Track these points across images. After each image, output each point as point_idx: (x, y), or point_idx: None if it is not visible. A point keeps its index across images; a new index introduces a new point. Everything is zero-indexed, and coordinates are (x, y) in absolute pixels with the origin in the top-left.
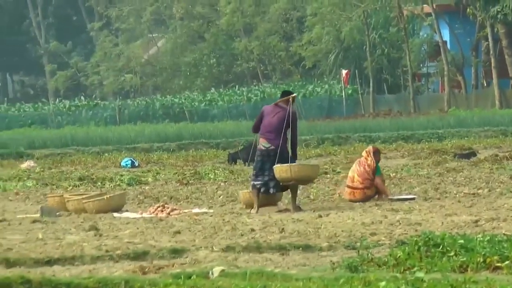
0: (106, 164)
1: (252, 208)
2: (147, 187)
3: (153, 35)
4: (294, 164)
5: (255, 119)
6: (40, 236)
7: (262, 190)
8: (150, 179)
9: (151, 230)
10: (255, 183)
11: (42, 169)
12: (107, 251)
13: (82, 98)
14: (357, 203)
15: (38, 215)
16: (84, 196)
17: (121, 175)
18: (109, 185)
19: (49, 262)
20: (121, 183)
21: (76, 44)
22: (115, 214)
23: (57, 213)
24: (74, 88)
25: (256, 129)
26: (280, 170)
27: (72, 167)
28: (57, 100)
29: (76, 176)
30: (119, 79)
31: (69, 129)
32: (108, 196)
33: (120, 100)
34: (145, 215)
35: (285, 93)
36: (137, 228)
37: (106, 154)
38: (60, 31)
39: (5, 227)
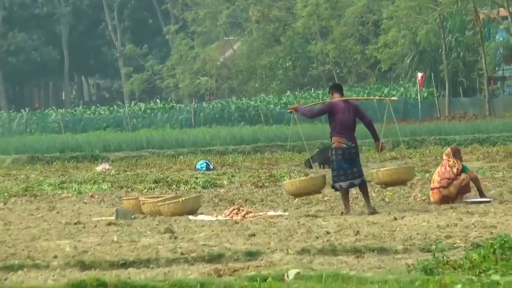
0: (181, 166)
1: (345, 209)
2: (222, 190)
3: (229, 38)
4: (393, 167)
5: (316, 108)
6: (115, 239)
7: (348, 187)
8: (225, 182)
9: (226, 232)
10: (342, 184)
11: (117, 172)
12: (182, 253)
13: (158, 101)
14: (433, 206)
15: (113, 217)
16: (159, 199)
17: (196, 178)
18: (184, 187)
19: (124, 264)
20: (196, 186)
21: (152, 47)
22: (190, 217)
23: (132, 216)
24: (150, 91)
25: (313, 116)
26: (382, 174)
27: (147, 170)
28: (133, 103)
29: (151, 179)
30: (194, 81)
31: (144, 132)
32: (183, 198)
33: (195, 103)
34: (220, 217)
35: (340, 87)
36: (212, 231)
37: (181, 157)
38: (136, 34)
39: (80, 229)
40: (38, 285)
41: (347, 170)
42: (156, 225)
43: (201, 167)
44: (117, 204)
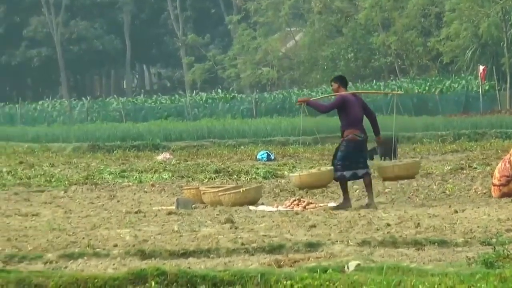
0: (242, 157)
1: (344, 202)
2: (283, 181)
3: (291, 28)
4: (397, 163)
5: (328, 102)
6: (176, 228)
7: (351, 178)
8: (286, 173)
9: (286, 223)
10: (345, 173)
11: (178, 161)
12: (242, 244)
13: (219, 90)
14: (493, 199)
15: (173, 207)
16: (220, 189)
17: (257, 168)
18: (245, 178)
19: (185, 254)
20: (257, 176)
21: (214, 37)
22: (251, 207)
23: (193, 205)
24: (211, 81)
25: (326, 111)
26: (385, 170)
27: (208, 160)
28: (194, 92)
29: (212, 169)
30: (256, 72)
31: (205, 121)
32: (244, 189)
33: (257, 93)
34: (280, 208)
35: (346, 81)
36: (273, 222)
37: (242, 147)
38: (198, 24)
39: (140, 218)
40: (98, 273)
41: (352, 160)
42: (217, 215)
43: (262, 158)
44: (178, 193)
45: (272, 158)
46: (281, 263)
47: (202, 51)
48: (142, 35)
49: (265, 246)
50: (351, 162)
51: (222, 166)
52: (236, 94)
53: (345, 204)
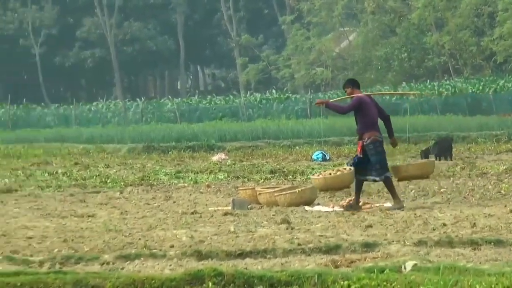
0: (297, 157)
1: (356, 201)
2: None
3: (345, 28)
4: (411, 162)
5: (346, 104)
6: (232, 229)
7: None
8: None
9: (342, 223)
10: (387, 174)
11: (233, 162)
12: (299, 244)
13: (273, 91)
14: None
15: (229, 207)
16: (276, 189)
17: (312, 169)
18: (301, 178)
19: (241, 254)
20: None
21: (268, 37)
22: (307, 208)
23: (249, 206)
24: (265, 81)
25: (345, 112)
26: (399, 169)
27: (264, 160)
28: (248, 93)
29: (267, 169)
30: (310, 72)
31: (260, 122)
32: (300, 189)
33: (311, 94)
34: (336, 208)
35: (358, 83)
36: (329, 222)
37: (297, 147)
38: (251, 24)
39: (196, 219)
40: (155, 274)
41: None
42: (273, 215)
43: (317, 158)
44: (234, 194)
45: (328, 158)
46: (338, 263)
47: (256, 52)
48: (195, 36)
49: (322, 247)
50: (386, 161)
51: (278, 166)
52: (290, 95)
53: (399, 204)
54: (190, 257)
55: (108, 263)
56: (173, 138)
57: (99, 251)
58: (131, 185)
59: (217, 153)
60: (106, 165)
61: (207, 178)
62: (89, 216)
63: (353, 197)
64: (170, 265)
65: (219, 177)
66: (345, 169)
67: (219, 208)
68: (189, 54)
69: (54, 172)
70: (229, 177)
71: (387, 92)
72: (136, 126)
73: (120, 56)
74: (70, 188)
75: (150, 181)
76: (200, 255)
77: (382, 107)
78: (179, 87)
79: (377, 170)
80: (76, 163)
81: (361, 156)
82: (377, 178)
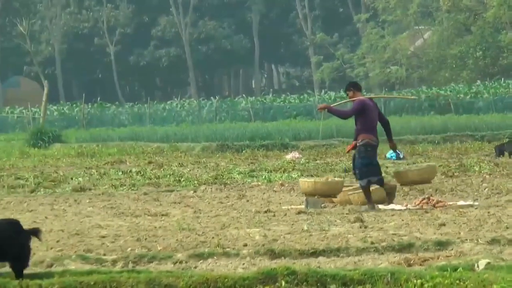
0: None
1: (370, 205)
2: None
3: (420, 27)
4: (412, 168)
5: (348, 108)
6: (305, 228)
7: (378, 183)
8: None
9: (416, 222)
10: (371, 179)
11: (307, 160)
12: (372, 243)
13: None
14: None
15: (303, 206)
16: (349, 188)
17: (387, 167)
18: None
19: (314, 253)
20: (386, 175)
21: (342, 35)
22: (380, 206)
23: (322, 205)
24: (340, 80)
25: (347, 116)
26: (400, 174)
27: (337, 159)
28: (323, 91)
29: (341, 168)
30: (384, 71)
31: (333, 120)
32: (373, 188)
33: (385, 92)
34: (410, 207)
35: (360, 86)
36: (402, 220)
37: None
38: (326, 23)
39: (270, 218)
40: (228, 273)
41: (375, 166)
42: (346, 214)
43: (391, 156)
44: None
45: (401, 156)
46: (411, 262)
47: (331, 50)
48: (270, 34)
49: (395, 245)
50: (375, 167)
51: (351, 165)
52: (365, 93)
53: (373, 207)
54: (263, 256)
55: (181, 262)
56: (247, 136)
57: (172, 250)
58: (204, 184)
59: (291, 152)
60: (179, 164)
61: (281, 176)
62: (162, 215)
63: (423, 196)
64: (243, 264)
65: (293, 175)
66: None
67: (293, 206)
68: (264, 52)
69: (128, 171)
70: (302, 175)
71: (387, 96)
72: (210, 124)
73: (194, 54)
74: (144, 187)
75: (224, 180)
76: (273, 254)
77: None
78: (253, 86)
79: (356, 174)
80: (150, 162)
81: (347, 152)
82: (359, 182)
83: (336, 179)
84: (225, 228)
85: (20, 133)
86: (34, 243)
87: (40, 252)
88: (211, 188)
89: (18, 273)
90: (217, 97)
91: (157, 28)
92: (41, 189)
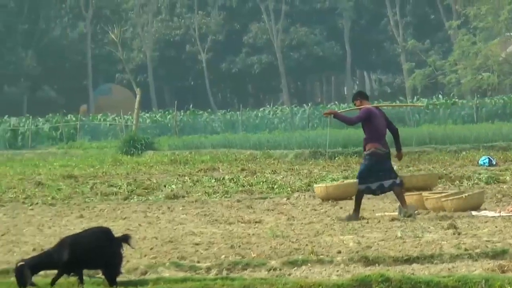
0: (464, 162)
1: (354, 213)
2: (505, 186)
3: (511, 33)
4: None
5: (354, 115)
6: (399, 234)
7: (378, 191)
8: (508, 178)
9: (509, 228)
10: (370, 185)
11: (400, 167)
12: (466, 249)
13: (440, 96)
14: None
15: (396, 213)
16: (442, 195)
17: (479, 174)
18: (467, 183)
19: (408, 260)
20: (479, 182)
21: (434, 42)
22: (474, 213)
23: (415, 211)
24: (432, 87)
25: (353, 123)
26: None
27: (430, 166)
28: (415, 98)
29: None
30: (476, 77)
31: (426, 127)
32: (466, 194)
33: (477, 99)
34: (503, 213)
35: (366, 95)
36: (496, 227)
37: (464, 153)
38: (417, 30)
39: (363, 225)
40: (322, 280)
41: (378, 172)
42: (439, 221)
43: (484, 163)
44: None
45: (494, 163)
46: (505, 268)
47: (422, 57)
48: (362, 41)
49: (488, 252)
50: (378, 174)
51: (444, 171)
52: (457, 100)
53: (356, 218)
54: (357, 263)
55: (275, 269)
56: (340, 143)
57: (266, 257)
58: (297, 191)
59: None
60: (273, 171)
61: None
62: (256, 222)
63: None
64: (337, 271)
65: None
66: None
67: (386, 213)
68: (356, 59)
69: (221, 178)
70: None
71: (394, 104)
72: (303, 131)
73: (286, 61)
74: (237, 194)
75: None
76: (367, 261)
77: (390, 120)
78: (345, 93)
79: (360, 179)
80: (243, 169)
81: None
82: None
83: (349, 181)
84: (319, 235)
85: (113, 141)
86: (128, 250)
87: (134, 260)
88: (304, 195)
89: (111, 281)
90: (309, 103)
91: (249, 35)
92: (134, 197)
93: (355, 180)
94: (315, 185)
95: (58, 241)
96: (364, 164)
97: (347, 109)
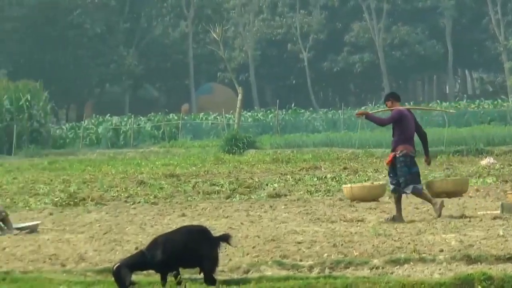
0: None
1: (398, 213)
2: None
3: None
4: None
5: (386, 117)
6: (501, 233)
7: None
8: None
9: None
10: (419, 186)
11: (501, 166)
12: None
13: None
14: None
15: (498, 211)
16: None
17: None
18: None
19: (510, 259)
20: None
21: None
22: None
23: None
24: None
25: (384, 124)
26: (434, 184)
27: None
28: None
29: None
30: None
31: None
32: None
33: None
34: None
35: (398, 96)
36: None
37: None
38: None
39: (465, 223)
40: (425, 278)
41: (415, 174)
42: None
43: None
44: (502, 198)
45: None
46: None
47: None
48: (463, 39)
49: None
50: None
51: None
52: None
53: (400, 218)
54: (460, 261)
55: (377, 268)
56: (441, 142)
57: (368, 256)
58: None
59: (486, 157)
60: (375, 169)
61: (476, 182)
62: (358, 220)
63: None
64: (440, 269)
65: (488, 181)
66: None
67: (488, 212)
68: (457, 58)
69: (323, 177)
70: (497, 181)
71: (425, 108)
72: None
73: (388, 60)
74: (339, 193)
75: None
76: (469, 260)
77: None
78: (447, 91)
79: (401, 184)
80: (345, 168)
81: (388, 166)
82: (405, 190)
83: (376, 183)
84: (421, 234)
85: (215, 140)
86: (230, 249)
87: (236, 258)
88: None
89: (209, 280)
90: (411, 102)
91: (350, 34)
92: (237, 195)
93: (381, 183)
94: (343, 186)
95: (151, 240)
96: (406, 166)
97: (379, 110)
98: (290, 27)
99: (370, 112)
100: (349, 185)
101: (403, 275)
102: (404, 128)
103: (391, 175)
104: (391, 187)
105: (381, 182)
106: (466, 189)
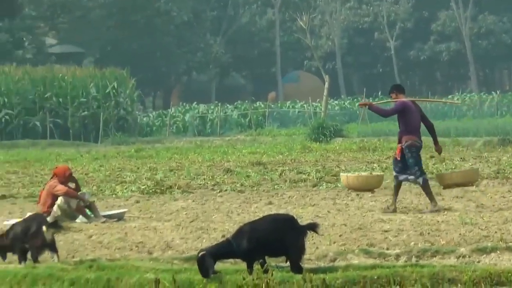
0: None
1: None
2: None
3: None
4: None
5: (389, 107)
6: None
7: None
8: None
9: None
10: (425, 176)
11: None
12: None
13: None
14: None
15: None
16: None
17: None
18: None
19: None
20: None
21: None
22: None
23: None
24: None
25: (388, 115)
26: (444, 177)
27: None
28: None
29: None
30: None
31: None
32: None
33: None
34: None
35: (403, 88)
36: None
37: None
38: None
39: None
40: (511, 267)
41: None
42: None
43: None
44: None
45: None
46: None
47: None
48: None
49: None
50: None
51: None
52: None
53: (436, 207)
54: None
55: (464, 256)
56: None
57: (455, 244)
58: (486, 178)
59: None
60: (461, 158)
61: None
62: (445, 209)
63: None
64: None
65: None
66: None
67: None
68: None
69: None
70: None
71: (430, 99)
72: (491, 119)
73: (475, 49)
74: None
75: (506, 174)
76: None
77: (425, 114)
78: None
79: (416, 173)
80: (431, 156)
81: (399, 158)
82: (418, 180)
83: (375, 174)
84: (508, 223)
85: (301, 128)
86: (317, 237)
87: (323, 247)
88: (493, 183)
89: (295, 268)
90: (498, 91)
91: (437, 23)
92: (323, 184)
93: (379, 173)
94: (341, 174)
95: (236, 229)
96: (412, 157)
97: (383, 101)
98: (377, 15)
99: (374, 103)
100: (345, 174)
101: (490, 264)
102: (408, 120)
103: (399, 165)
104: (394, 174)
105: (378, 173)
106: (476, 179)
